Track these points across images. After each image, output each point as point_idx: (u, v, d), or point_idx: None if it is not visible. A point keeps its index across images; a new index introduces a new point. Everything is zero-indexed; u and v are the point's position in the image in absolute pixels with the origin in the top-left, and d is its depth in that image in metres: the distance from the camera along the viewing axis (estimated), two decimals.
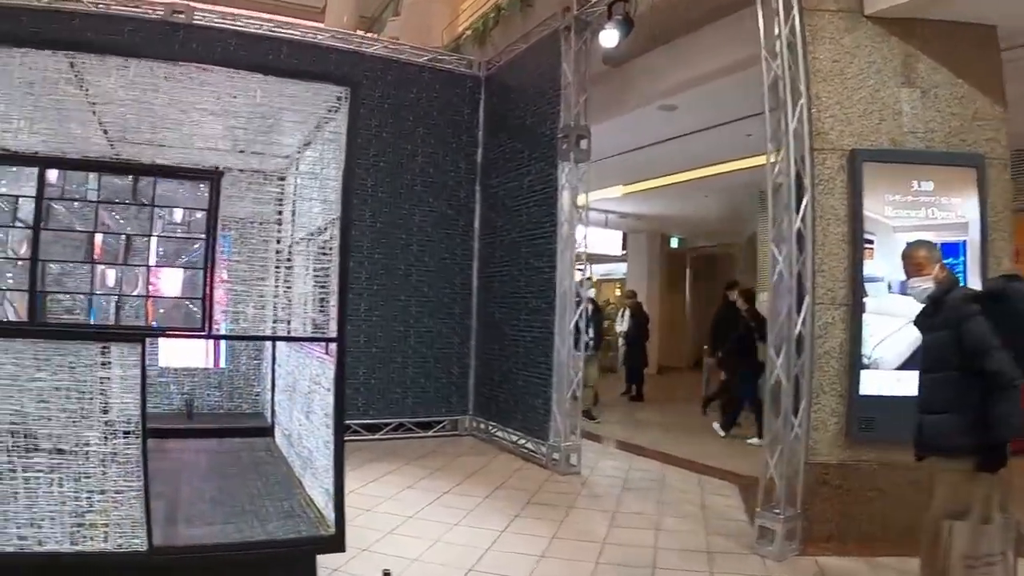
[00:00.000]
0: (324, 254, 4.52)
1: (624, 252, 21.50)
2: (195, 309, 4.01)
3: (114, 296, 3.86)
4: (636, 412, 13.06)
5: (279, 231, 5.02)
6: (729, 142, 10.89)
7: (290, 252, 5.04)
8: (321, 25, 11.49)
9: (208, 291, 4.03)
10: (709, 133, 10.83)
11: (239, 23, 8.54)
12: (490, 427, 9.37)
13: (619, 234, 21.32)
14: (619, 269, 22.41)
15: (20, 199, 3.69)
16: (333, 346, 4.34)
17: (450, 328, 9.63)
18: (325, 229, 4.56)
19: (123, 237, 3.87)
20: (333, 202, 4.38)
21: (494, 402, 9.29)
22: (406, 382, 9.30)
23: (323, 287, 4.53)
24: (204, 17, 8.30)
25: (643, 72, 9.83)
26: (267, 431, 6.75)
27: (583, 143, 8.01)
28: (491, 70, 9.93)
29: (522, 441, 8.60)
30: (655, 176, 14.35)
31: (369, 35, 11.42)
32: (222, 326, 4.61)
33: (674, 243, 22.11)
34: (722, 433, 10.24)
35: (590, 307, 10.97)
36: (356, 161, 4.34)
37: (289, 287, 4.90)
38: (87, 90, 3.88)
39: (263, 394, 7.39)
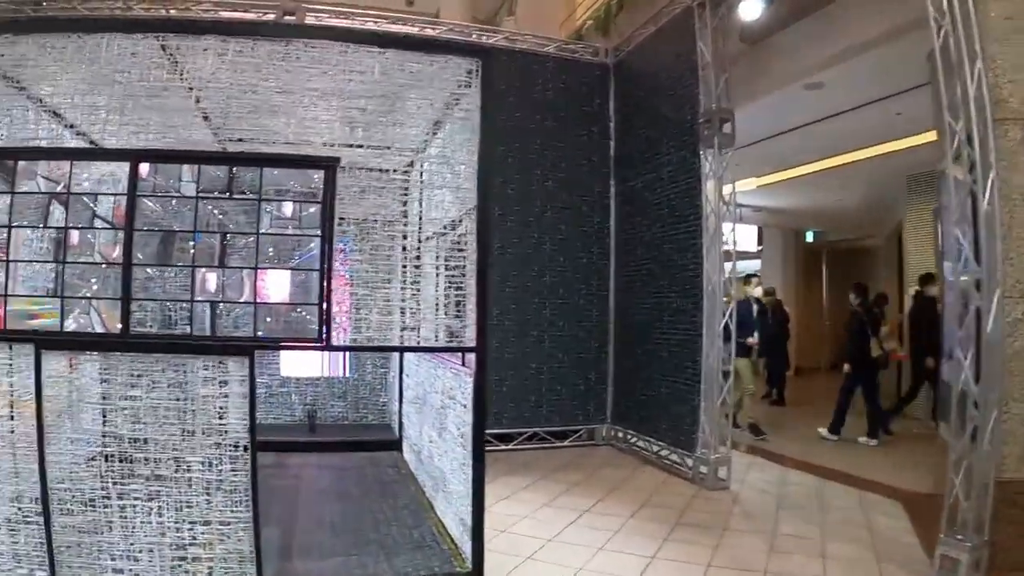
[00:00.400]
0: (459, 250, 4.12)
1: (760, 248, 20.57)
2: (310, 317, 3.56)
3: (217, 303, 3.45)
4: (779, 417, 12.28)
5: (405, 226, 4.54)
6: (876, 123, 10.20)
7: (418, 250, 4.57)
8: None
9: (325, 296, 3.59)
10: (855, 114, 10.08)
11: (353, 20, 8.46)
12: (629, 436, 8.91)
13: (754, 229, 20.47)
14: (749, 266, 21.43)
15: (108, 196, 3.34)
16: (471, 356, 3.85)
17: (586, 331, 9.17)
18: (460, 222, 4.13)
19: (225, 236, 3.45)
20: (468, 190, 3.94)
21: (635, 410, 8.78)
22: (541, 389, 8.90)
23: (458, 289, 4.14)
24: (317, 17, 8.21)
25: (785, 48, 9.14)
26: (394, 444, 6.50)
27: (726, 127, 7.41)
28: (619, 56, 9.46)
29: (665, 452, 8.10)
30: (791, 166, 13.68)
31: (488, 27, 11.02)
32: (344, 335, 4.15)
33: (809, 237, 21.27)
34: (873, 442, 9.57)
35: (755, 307, 10.48)
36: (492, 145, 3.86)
37: (418, 290, 4.42)
38: (182, 74, 3.54)
39: (390, 404, 7.11)
